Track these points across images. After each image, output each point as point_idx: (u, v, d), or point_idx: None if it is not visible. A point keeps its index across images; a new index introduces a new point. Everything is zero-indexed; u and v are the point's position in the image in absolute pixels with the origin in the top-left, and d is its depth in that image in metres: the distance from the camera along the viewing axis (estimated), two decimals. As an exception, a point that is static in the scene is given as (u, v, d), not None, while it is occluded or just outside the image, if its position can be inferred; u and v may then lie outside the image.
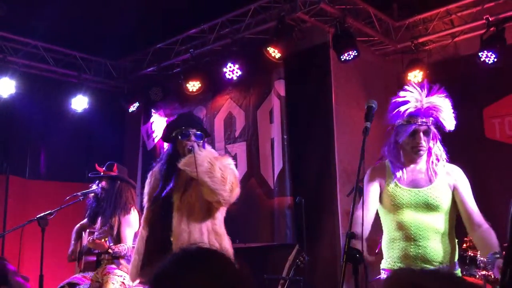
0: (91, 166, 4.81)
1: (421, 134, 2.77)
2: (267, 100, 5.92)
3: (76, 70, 6.92)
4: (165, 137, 3.42)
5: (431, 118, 2.82)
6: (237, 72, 5.92)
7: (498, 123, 5.76)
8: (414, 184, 2.78)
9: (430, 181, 2.77)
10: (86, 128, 7.20)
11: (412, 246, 2.71)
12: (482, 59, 5.36)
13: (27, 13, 5.95)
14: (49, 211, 4.18)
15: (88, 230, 4.63)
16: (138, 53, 7.13)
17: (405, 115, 2.81)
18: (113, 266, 4.29)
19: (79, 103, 6.72)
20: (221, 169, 3.04)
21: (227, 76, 5.97)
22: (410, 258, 2.71)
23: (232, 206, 6.18)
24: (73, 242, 4.70)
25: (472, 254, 4.12)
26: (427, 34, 6.01)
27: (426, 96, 2.85)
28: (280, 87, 5.78)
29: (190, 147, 3.06)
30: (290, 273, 4.94)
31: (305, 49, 5.92)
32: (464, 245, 4.24)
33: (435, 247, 2.67)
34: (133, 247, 4.46)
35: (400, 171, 2.81)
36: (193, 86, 6.33)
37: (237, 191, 3.15)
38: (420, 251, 2.67)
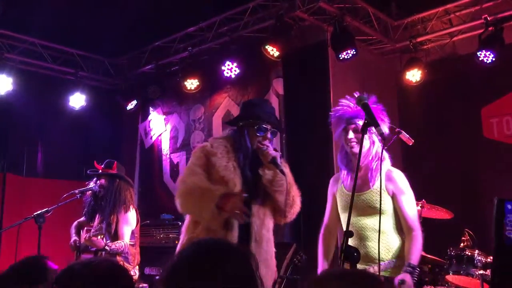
0: (89, 164, 4.79)
1: (351, 130, 2.94)
2: (265, 98, 5.89)
3: (73, 68, 6.90)
4: (235, 120, 3.07)
5: (361, 121, 2.84)
6: (235, 70, 5.92)
7: (496, 123, 5.76)
8: (356, 188, 2.88)
9: (370, 185, 2.94)
10: (83, 126, 7.18)
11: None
12: (480, 59, 5.37)
13: (24, 10, 5.93)
14: (46, 209, 4.17)
15: (85, 228, 4.62)
16: (136, 51, 7.12)
17: (338, 119, 3.05)
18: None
19: (77, 100, 6.70)
20: (294, 194, 3.08)
21: (225, 74, 5.96)
22: None
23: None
24: (73, 235, 4.68)
25: (469, 254, 4.12)
26: (425, 34, 6.02)
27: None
28: (278, 85, 5.78)
29: (273, 157, 2.91)
30: (288, 272, 4.94)
31: (303, 48, 5.91)
32: (462, 244, 4.24)
33: (376, 247, 2.82)
34: (131, 244, 4.46)
35: (346, 176, 3.06)
36: (191, 84, 6.32)
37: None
38: (361, 251, 2.81)
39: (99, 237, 4.24)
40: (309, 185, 5.61)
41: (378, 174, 2.86)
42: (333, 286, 1.05)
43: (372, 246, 2.88)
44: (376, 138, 2.93)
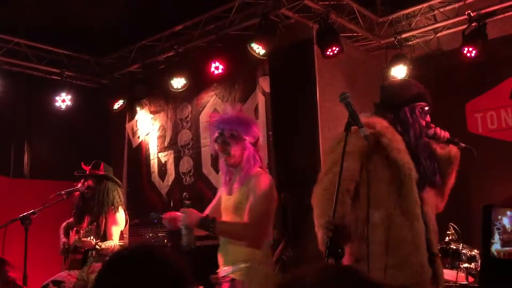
0: (76, 165, 4.78)
1: (217, 145, 3.01)
2: (252, 96, 5.92)
3: (59, 68, 6.85)
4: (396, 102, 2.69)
5: (221, 131, 2.99)
6: (222, 69, 5.92)
7: (481, 118, 5.83)
8: (228, 191, 3.08)
9: (236, 189, 3.01)
10: (70, 126, 7.14)
11: (220, 248, 3.09)
12: (464, 54, 5.42)
13: (8, 10, 5.88)
14: (32, 210, 4.16)
15: (75, 229, 4.62)
16: (122, 50, 7.08)
17: (213, 125, 3.10)
18: (99, 264, 4.29)
19: (63, 100, 6.67)
20: None
21: (212, 73, 5.96)
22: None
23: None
24: (62, 237, 4.67)
25: (454, 247, 4.19)
26: (410, 30, 6.07)
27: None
28: (265, 83, 5.79)
29: (448, 137, 2.75)
30: (276, 268, 4.98)
31: (289, 45, 5.93)
32: (447, 238, 4.30)
33: (235, 249, 2.94)
34: (120, 245, 4.47)
35: (223, 181, 3.15)
36: (178, 83, 6.32)
37: None
38: (223, 252, 3.02)
39: (89, 238, 4.25)
40: (296, 182, 5.68)
41: (244, 177, 2.95)
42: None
43: (231, 248, 2.97)
44: (247, 143, 2.99)
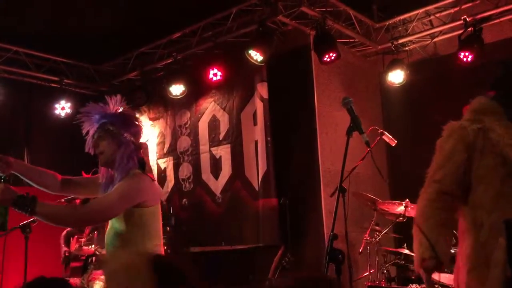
0: (75, 172, 4.78)
1: (92, 142, 2.69)
2: (250, 102, 5.96)
3: (58, 75, 6.89)
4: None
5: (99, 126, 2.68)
6: (220, 75, 5.96)
7: (478, 122, 5.85)
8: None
9: (108, 188, 2.71)
10: (69, 134, 7.13)
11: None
12: (460, 59, 5.46)
13: (7, 19, 5.91)
14: (32, 219, 4.16)
15: (76, 237, 4.64)
16: (121, 58, 7.12)
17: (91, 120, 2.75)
18: (100, 271, 4.31)
19: (62, 108, 6.70)
20: None
21: (211, 79, 6.00)
22: None
23: (218, 209, 6.24)
24: (63, 245, 4.69)
25: (454, 252, 4.19)
26: (406, 35, 6.10)
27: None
28: (263, 89, 5.83)
29: None
30: (276, 273, 5.00)
31: (287, 52, 5.97)
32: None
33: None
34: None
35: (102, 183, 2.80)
36: (177, 89, 6.35)
37: None
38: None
39: (90, 246, 4.28)
40: (295, 188, 5.71)
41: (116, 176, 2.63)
42: None
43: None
44: (125, 140, 2.60)
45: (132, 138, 2.60)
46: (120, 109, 2.70)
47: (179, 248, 5.88)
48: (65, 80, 6.89)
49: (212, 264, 5.89)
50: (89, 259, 4.35)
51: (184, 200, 6.47)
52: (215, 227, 6.05)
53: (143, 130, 2.73)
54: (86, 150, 2.69)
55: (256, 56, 5.49)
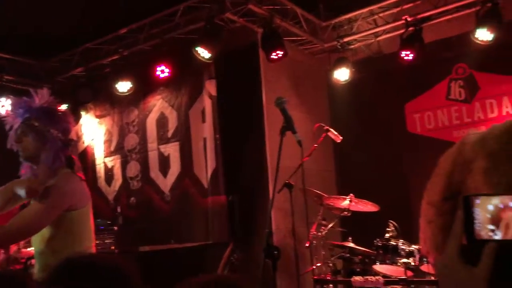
0: (16, 174, 4.63)
1: (15, 136, 2.53)
2: (199, 99, 5.94)
3: (-1, 72, 6.62)
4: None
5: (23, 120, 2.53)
6: (168, 72, 5.91)
7: (419, 118, 6.11)
8: None
9: None
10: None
11: None
12: (402, 57, 5.65)
13: None
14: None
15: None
16: (65, 53, 6.92)
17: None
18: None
19: (2, 106, 6.44)
20: None
21: (158, 76, 5.94)
22: None
23: (166, 207, 6.20)
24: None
25: (394, 243, 4.37)
26: (352, 34, 6.25)
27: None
28: (211, 86, 5.83)
29: None
30: (225, 271, 5.03)
31: (235, 49, 5.98)
32: (387, 235, 4.48)
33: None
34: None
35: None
36: (124, 86, 6.24)
37: None
38: None
39: (29, 248, 4.15)
40: (244, 185, 5.75)
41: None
42: None
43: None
44: (51, 137, 2.49)
45: (59, 135, 2.48)
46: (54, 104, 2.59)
47: (127, 247, 5.79)
48: (5, 77, 6.62)
49: (162, 263, 5.84)
50: (28, 262, 4.22)
51: (132, 198, 6.38)
52: (164, 225, 6.00)
53: (72, 126, 2.63)
54: (8, 146, 2.53)
55: (203, 53, 5.47)
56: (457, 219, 0.87)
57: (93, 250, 2.57)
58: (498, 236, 0.83)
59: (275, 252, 2.25)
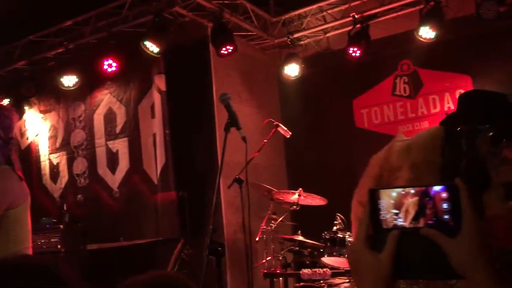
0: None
1: None
2: (148, 94, 5.85)
3: None
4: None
5: None
6: (115, 66, 5.77)
7: (366, 113, 6.26)
8: None
9: None
10: None
11: None
12: (350, 54, 5.76)
13: None
14: None
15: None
16: (6, 46, 6.62)
17: None
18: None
19: None
20: None
21: (106, 70, 5.79)
22: None
23: (115, 204, 6.08)
24: None
25: (341, 236, 4.47)
26: (301, 30, 6.31)
27: None
28: (160, 81, 5.74)
29: None
30: (175, 267, 4.98)
31: (185, 44, 5.92)
32: (335, 227, 4.57)
33: None
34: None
35: None
36: (69, 80, 6.05)
37: None
38: None
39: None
40: (195, 181, 5.71)
41: None
42: None
43: None
44: None
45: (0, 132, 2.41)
46: None
47: (74, 246, 5.64)
48: None
49: (111, 261, 5.73)
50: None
51: (79, 196, 6.21)
52: (112, 223, 5.88)
53: (15, 123, 2.53)
54: None
55: (152, 47, 5.38)
56: (365, 210, 0.95)
57: (30, 251, 2.47)
58: (400, 221, 0.92)
59: (219, 249, 2.24)
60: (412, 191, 0.93)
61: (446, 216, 0.90)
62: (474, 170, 0.96)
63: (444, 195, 0.91)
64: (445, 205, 0.90)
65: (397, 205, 0.93)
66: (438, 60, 5.77)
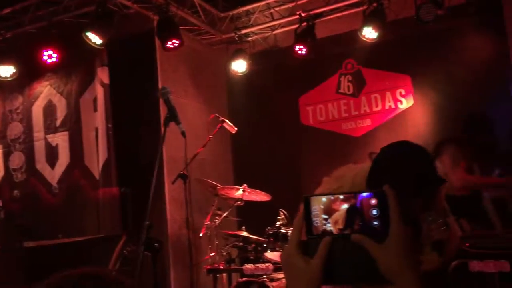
0: None
1: None
2: (90, 87, 5.68)
3: None
4: None
5: None
6: (56, 57, 5.56)
7: (311, 110, 6.36)
8: None
9: None
10: None
11: None
12: (296, 51, 5.82)
13: None
14: None
15: None
16: None
17: None
18: None
19: None
20: None
21: (46, 61, 5.57)
22: None
23: (54, 200, 5.88)
24: None
25: (284, 231, 4.52)
26: (249, 26, 6.32)
27: None
28: (103, 74, 5.59)
29: None
30: (117, 264, 4.88)
31: (130, 36, 5.79)
32: (278, 223, 4.62)
33: None
34: None
35: None
36: (6, 71, 5.77)
37: None
38: None
39: None
40: (139, 176, 5.59)
41: None
42: None
43: None
44: None
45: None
46: None
47: (10, 243, 5.41)
48: None
49: (49, 259, 5.53)
50: None
51: (16, 191, 5.96)
52: (51, 219, 5.68)
53: None
54: None
55: (94, 39, 5.21)
56: (298, 216, 0.97)
57: None
58: (329, 225, 0.95)
59: (156, 245, 2.21)
60: (341, 197, 0.95)
61: (375, 223, 0.93)
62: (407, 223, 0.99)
63: (373, 201, 0.93)
64: (374, 212, 0.93)
65: (327, 211, 0.95)
66: (380, 59, 5.94)
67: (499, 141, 5.16)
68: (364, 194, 0.93)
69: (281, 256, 1.04)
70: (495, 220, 4.02)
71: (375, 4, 5.38)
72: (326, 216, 0.95)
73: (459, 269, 3.44)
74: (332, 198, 0.95)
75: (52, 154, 5.82)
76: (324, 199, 0.96)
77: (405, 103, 5.82)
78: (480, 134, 4.45)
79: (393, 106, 5.88)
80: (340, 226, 0.94)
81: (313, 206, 0.96)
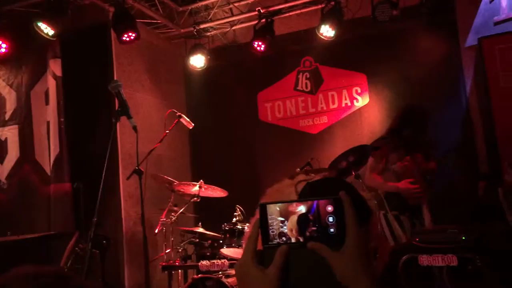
0: None
1: None
2: (42, 80, 5.49)
3: None
4: None
5: None
6: (5, 48, 5.35)
7: (270, 107, 6.38)
8: None
9: None
10: None
11: None
12: (255, 47, 5.82)
13: None
14: None
15: None
16: None
17: None
18: None
19: None
20: None
21: (-6, 52, 5.36)
22: None
23: (2, 196, 5.66)
24: None
25: (240, 227, 4.51)
26: (208, 21, 6.27)
27: None
28: (56, 66, 5.41)
29: None
30: (69, 262, 4.75)
31: (84, 28, 5.63)
32: (234, 219, 4.61)
33: None
34: None
35: None
36: (-49, 61, 5.52)
37: None
38: None
39: None
40: (92, 171, 5.45)
41: None
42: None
43: None
44: None
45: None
46: None
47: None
48: None
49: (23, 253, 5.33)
50: None
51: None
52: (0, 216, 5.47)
53: None
54: None
55: (46, 29, 5.04)
56: (254, 224, 0.95)
57: None
58: (287, 233, 0.93)
59: (104, 242, 2.16)
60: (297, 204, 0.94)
61: (331, 230, 0.92)
62: None
63: (329, 208, 0.93)
64: (330, 219, 0.93)
65: (284, 214, 0.94)
66: (337, 58, 6.02)
67: (438, 140, 5.11)
68: (321, 201, 0.93)
69: (235, 267, 1.02)
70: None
71: (332, 3, 5.45)
72: (282, 219, 0.94)
73: (409, 263, 3.54)
74: (288, 205, 0.94)
75: (1, 149, 5.59)
76: (280, 207, 0.95)
77: (361, 101, 5.93)
78: (414, 131, 4.44)
79: (349, 104, 5.97)
80: (296, 234, 0.93)
81: (270, 215, 0.94)
